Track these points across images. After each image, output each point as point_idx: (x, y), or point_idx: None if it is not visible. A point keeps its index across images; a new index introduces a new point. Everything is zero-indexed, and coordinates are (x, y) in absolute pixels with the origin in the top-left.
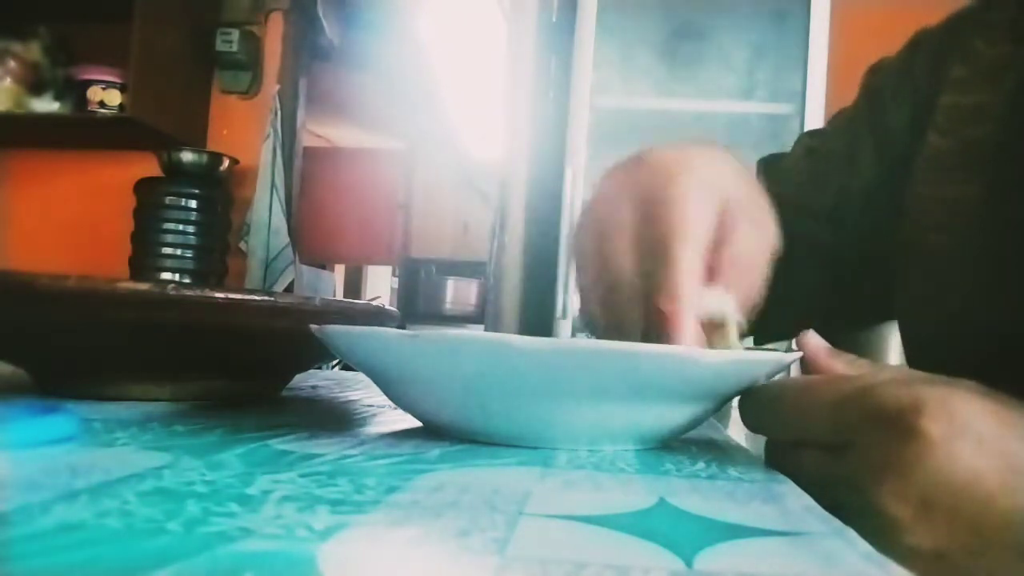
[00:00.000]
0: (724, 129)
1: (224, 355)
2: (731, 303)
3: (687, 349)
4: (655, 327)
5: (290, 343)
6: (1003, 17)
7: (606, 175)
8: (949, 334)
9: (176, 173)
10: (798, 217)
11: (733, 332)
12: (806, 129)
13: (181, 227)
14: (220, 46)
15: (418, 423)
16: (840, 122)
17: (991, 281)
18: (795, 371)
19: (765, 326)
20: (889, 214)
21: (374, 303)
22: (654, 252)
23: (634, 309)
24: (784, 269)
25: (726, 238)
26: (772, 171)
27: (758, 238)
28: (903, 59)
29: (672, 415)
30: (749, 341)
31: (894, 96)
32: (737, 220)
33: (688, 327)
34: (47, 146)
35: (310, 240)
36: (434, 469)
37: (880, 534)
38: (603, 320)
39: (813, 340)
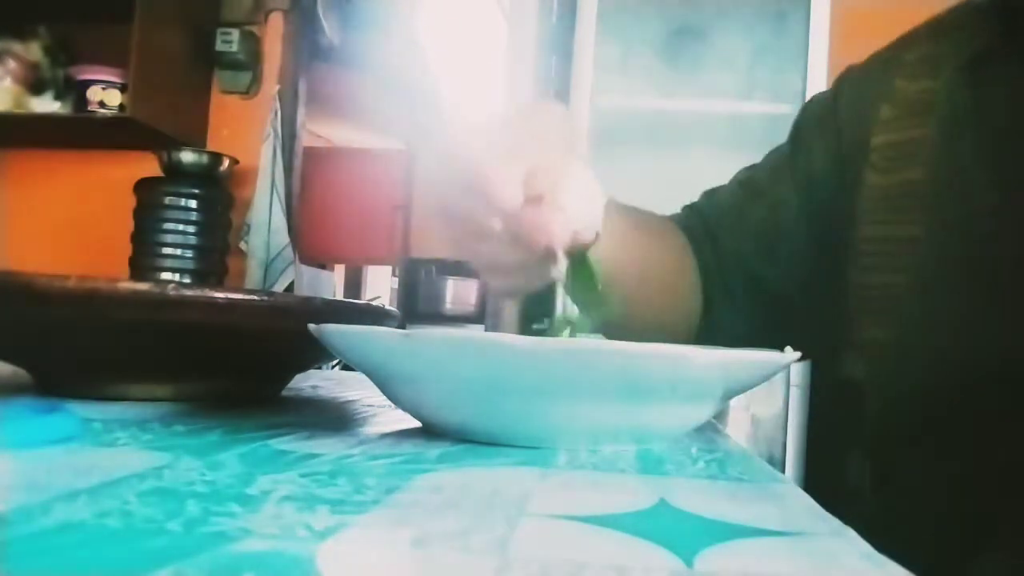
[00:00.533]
0: (724, 129)
1: (224, 355)
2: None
3: (686, 349)
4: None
5: (290, 343)
6: (918, 55)
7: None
8: (911, 370)
9: (176, 173)
10: (733, 241)
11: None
12: None
13: (181, 227)
14: (220, 46)
15: (418, 423)
16: (772, 157)
17: (948, 317)
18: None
19: (712, 323)
20: (824, 254)
21: (374, 303)
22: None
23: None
24: (721, 282)
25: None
26: (708, 198)
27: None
28: (828, 98)
29: (672, 415)
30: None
31: (815, 136)
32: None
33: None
34: (47, 146)
35: (310, 240)
36: (434, 469)
37: None
38: (483, 261)
39: None
